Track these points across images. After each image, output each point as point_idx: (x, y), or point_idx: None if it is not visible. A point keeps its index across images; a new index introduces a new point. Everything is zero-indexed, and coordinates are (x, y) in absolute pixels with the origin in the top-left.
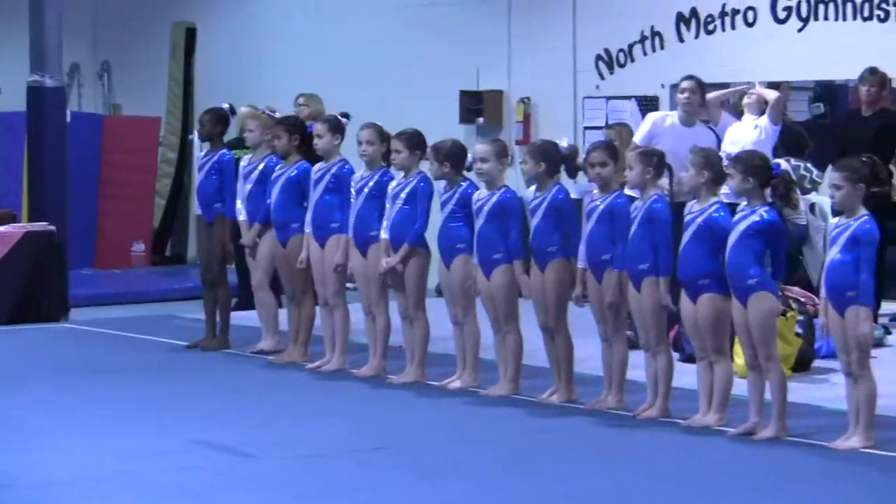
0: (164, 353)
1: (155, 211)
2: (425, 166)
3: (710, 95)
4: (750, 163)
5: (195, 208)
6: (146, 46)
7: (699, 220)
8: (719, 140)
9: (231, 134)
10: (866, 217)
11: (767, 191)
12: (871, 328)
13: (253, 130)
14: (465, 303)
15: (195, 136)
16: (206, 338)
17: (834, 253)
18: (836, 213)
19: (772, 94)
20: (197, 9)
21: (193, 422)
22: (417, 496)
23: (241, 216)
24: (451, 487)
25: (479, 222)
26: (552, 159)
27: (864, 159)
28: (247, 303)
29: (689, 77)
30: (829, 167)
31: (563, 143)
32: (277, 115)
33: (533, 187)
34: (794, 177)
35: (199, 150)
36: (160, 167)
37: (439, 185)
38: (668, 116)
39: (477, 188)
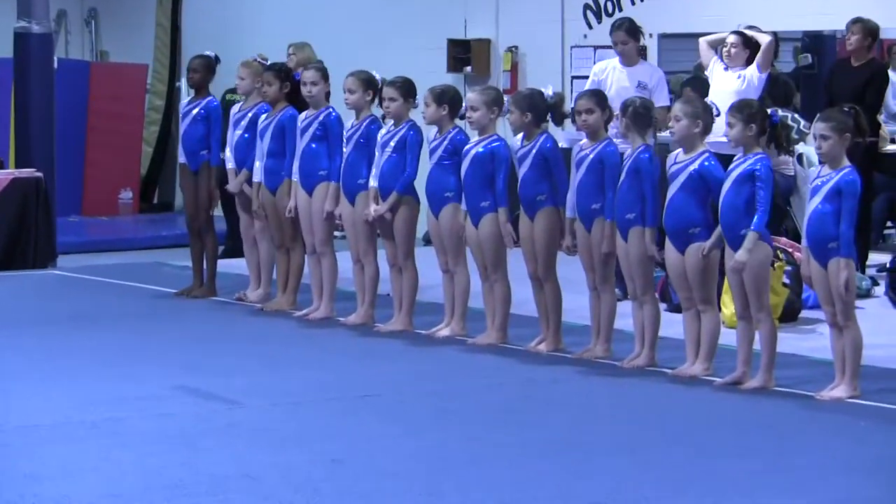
0: (151, 301)
1: (142, 158)
2: (416, 113)
3: (701, 39)
4: (749, 111)
5: (181, 156)
6: None
7: (690, 169)
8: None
9: (228, 83)
10: (849, 168)
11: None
12: (853, 278)
13: (244, 78)
14: (455, 251)
15: (183, 84)
16: (193, 286)
17: (816, 203)
18: (821, 162)
19: (764, 38)
20: None
21: (178, 369)
22: (401, 444)
23: (230, 164)
24: (435, 436)
25: (466, 169)
26: (538, 108)
27: (846, 109)
28: (234, 250)
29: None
30: (816, 118)
31: (549, 91)
32: (268, 63)
33: (520, 136)
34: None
35: (187, 97)
36: (147, 114)
37: (428, 133)
38: (604, 64)
39: (466, 136)
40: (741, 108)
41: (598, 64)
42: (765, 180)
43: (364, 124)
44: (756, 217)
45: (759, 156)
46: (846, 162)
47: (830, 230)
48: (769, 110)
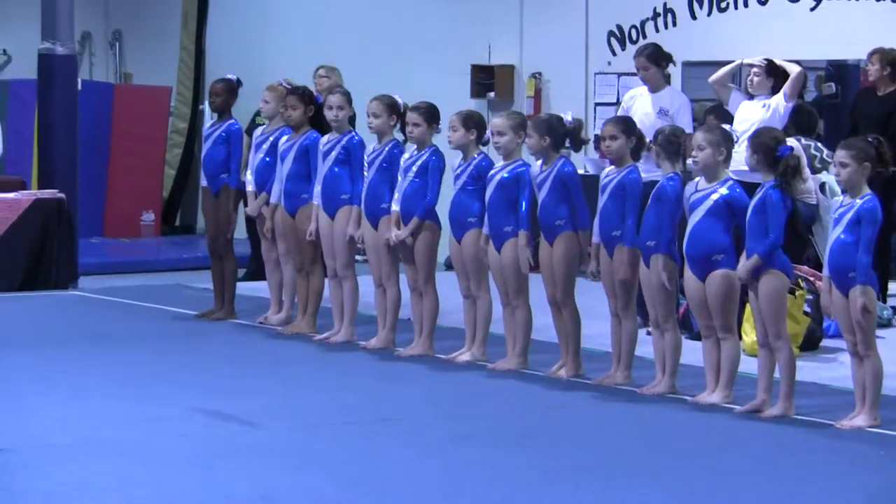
0: (171, 323)
1: (165, 181)
2: (439, 138)
3: (714, 75)
4: (756, 139)
5: (202, 179)
6: (158, 15)
7: (715, 196)
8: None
9: (252, 105)
10: (870, 196)
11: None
12: (871, 305)
13: (269, 102)
14: (478, 276)
15: (206, 107)
16: (214, 308)
17: (837, 233)
18: (843, 191)
19: (794, 69)
20: None
21: (197, 390)
22: (420, 468)
23: (250, 186)
24: (453, 460)
25: (491, 194)
26: (556, 133)
27: (869, 139)
28: (257, 273)
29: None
30: (838, 146)
31: (568, 116)
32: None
33: (539, 161)
34: (803, 159)
35: (210, 119)
36: (170, 137)
37: (452, 159)
38: (634, 91)
39: (491, 161)
40: (752, 136)
41: (631, 90)
42: (773, 206)
43: (387, 148)
44: (766, 242)
45: (768, 184)
46: (867, 190)
47: (851, 260)
48: (783, 145)
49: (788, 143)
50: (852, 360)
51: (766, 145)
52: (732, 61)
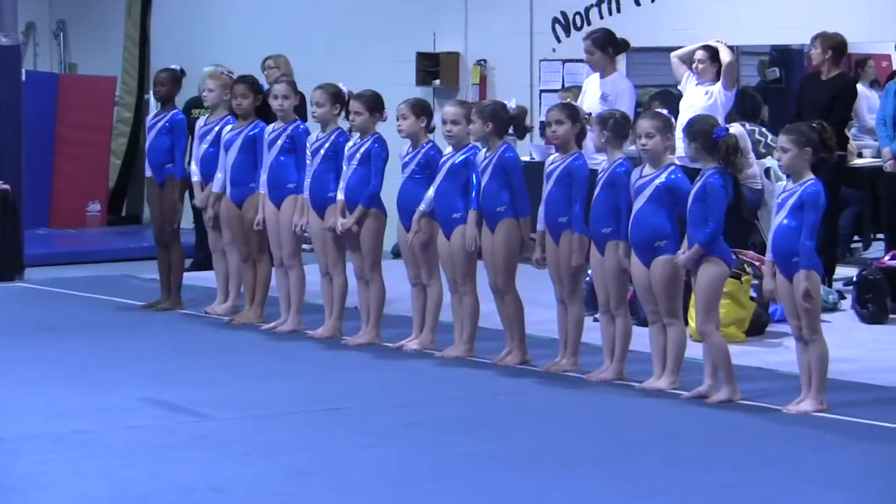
0: (118, 313)
1: (110, 171)
2: (383, 126)
3: (672, 54)
4: (692, 127)
5: (147, 169)
6: (102, 5)
7: (657, 182)
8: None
9: (191, 93)
10: (812, 181)
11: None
12: (815, 289)
13: (213, 90)
14: (429, 264)
15: (151, 96)
16: (160, 298)
17: (781, 218)
18: (787, 176)
19: (725, 57)
20: None
21: (145, 381)
22: (369, 456)
23: (196, 177)
24: (402, 448)
25: (439, 181)
26: (500, 119)
27: (813, 125)
28: (204, 262)
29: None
30: (781, 131)
31: (512, 103)
32: (234, 75)
33: (483, 149)
34: (744, 141)
35: (153, 109)
36: (116, 127)
37: (400, 146)
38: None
39: (439, 149)
40: (687, 125)
41: (592, 75)
42: (713, 194)
43: (332, 137)
44: (706, 230)
45: (708, 171)
46: (810, 175)
47: (795, 244)
48: (718, 127)
49: (734, 128)
50: (797, 345)
51: (702, 131)
52: (679, 47)
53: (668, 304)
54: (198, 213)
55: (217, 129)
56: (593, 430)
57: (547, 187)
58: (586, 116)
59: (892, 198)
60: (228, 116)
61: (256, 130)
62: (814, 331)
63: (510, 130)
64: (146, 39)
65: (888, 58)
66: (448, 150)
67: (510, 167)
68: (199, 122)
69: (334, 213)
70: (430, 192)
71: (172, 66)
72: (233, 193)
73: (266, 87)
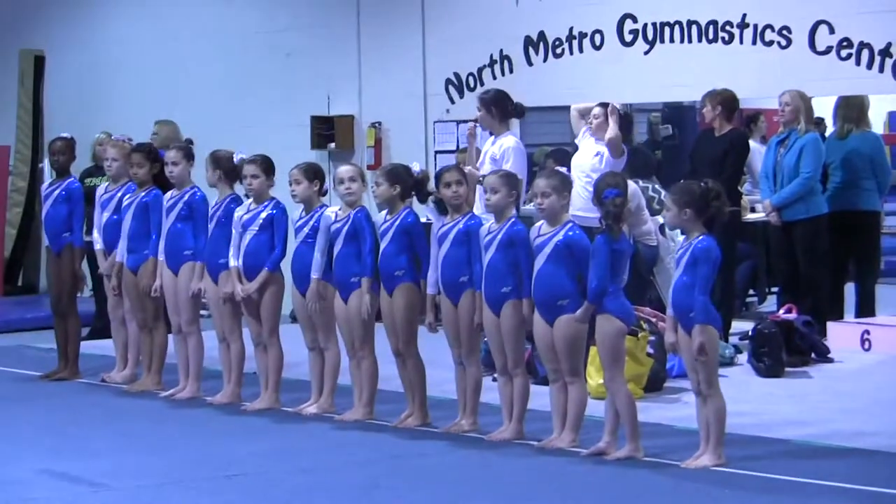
0: (15, 384)
1: (6, 241)
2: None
3: (572, 107)
4: (595, 185)
5: (45, 239)
6: None
7: (555, 239)
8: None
9: (85, 161)
10: (703, 237)
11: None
12: (711, 343)
13: (117, 159)
14: (326, 328)
15: (45, 165)
16: (58, 368)
17: (678, 274)
18: (683, 232)
19: (610, 133)
20: (45, 36)
21: (43, 452)
22: None
23: (98, 245)
24: None
25: (338, 247)
26: (406, 183)
27: (701, 183)
28: (101, 331)
29: None
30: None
31: (415, 167)
32: (133, 142)
33: (384, 212)
34: (637, 198)
35: (49, 178)
36: (10, 196)
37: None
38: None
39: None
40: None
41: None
42: (595, 251)
43: (224, 203)
44: (590, 287)
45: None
46: (699, 231)
47: (692, 299)
48: (610, 187)
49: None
50: (697, 400)
51: (596, 187)
52: (568, 107)
53: (570, 363)
54: (97, 280)
55: (119, 195)
56: (494, 489)
57: (443, 249)
58: (480, 179)
59: (782, 250)
60: (130, 183)
61: (149, 198)
62: (710, 385)
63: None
64: (39, 108)
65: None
66: (339, 213)
67: (414, 232)
68: (100, 190)
69: (229, 280)
70: (316, 254)
71: (66, 135)
72: (129, 260)
73: (164, 153)
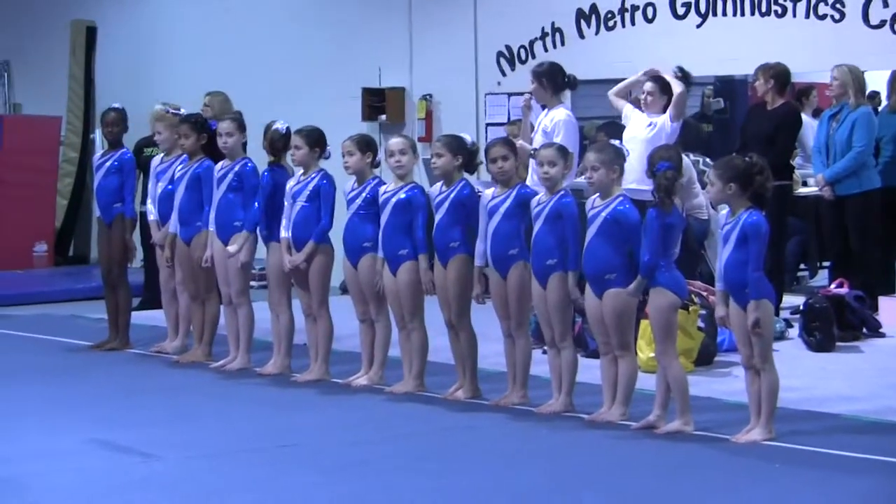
0: (66, 354)
1: (57, 211)
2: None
3: (609, 92)
4: (650, 156)
5: (96, 209)
6: (46, 45)
7: (604, 214)
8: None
9: (142, 131)
10: (751, 211)
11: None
12: (766, 319)
13: (162, 132)
14: (377, 300)
15: (97, 136)
16: (108, 338)
17: (728, 250)
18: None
19: (676, 88)
20: (96, 7)
21: (93, 422)
22: (320, 494)
23: (152, 216)
24: (354, 485)
25: (385, 217)
26: (465, 154)
27: (746, 158)
28: (150, 302)
29: None
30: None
31: (467, 138)
32: (183, 111)
33: (438, 184)
34: (689, 172)
35: (100, 149)
36: (62, 167)
37: (344, 182)
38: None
39: (384, 184)
40: (651, 153)
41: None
42: (648, 224)
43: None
44: (643, 261)
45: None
46: (747, 205)
47: (745, 276)
48: (663, 160)
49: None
50: (746, 374)
51: (650, 160)
52: (623, 79)
53: (620, 337)
54: (148, 251)
55: (173, 167)
56: (544, 462)
57: (493, 222)
58: (531, 152)
59: (834, 225)
60: (184, 155)
61: (201, 169)
62: (765, 359)
63: None
64: (91, 79)
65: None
66: (390, 185)
67: (469, 204)
68: (155, 161)
69: (282, 251)
70: (285, 220)
71: (118, 106)
72: (181, 232)
73: (215, 124)
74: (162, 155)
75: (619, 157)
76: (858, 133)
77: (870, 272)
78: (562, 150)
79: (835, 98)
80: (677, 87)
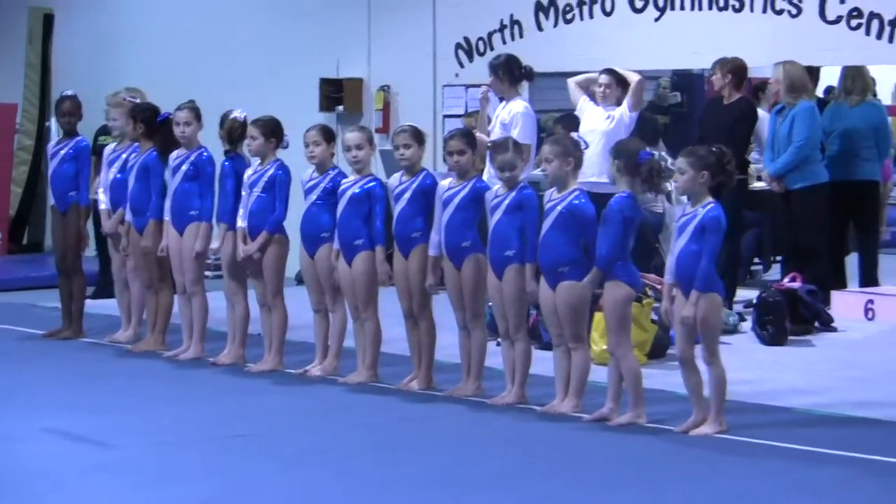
0: (20, 343)
1: (11, 199)
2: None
3: (570, 80)
4: (619, 148)
5: (50, 197)
6: (2, 33)
7: (560, 207)
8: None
9: (99, 119)
10: (713, 205)
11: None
12: (713, 312)
13: (117, 119)
14: (333, 290)
15: (52, 123)
16: (62, 327)
17: (683, 242)
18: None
19: (633, 78)
20: None
21: (48, 410)
22: (275, 483)
23: (104, 205)
24: (308, 474)
25: (341, 208)
26: (424, 142)
27: (713, 148)
28: (105, 291)
29: None
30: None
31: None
32: (138, 100)
33: (398, 174)
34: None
35: (56, 137)
36: (17, 154)
37: (301, 172)
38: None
39: (345, 175)
40: (614, 146)
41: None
42: (610, 217)
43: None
44: (601, 253)
45: (617, 195)
46: (709, 198)
47: (698, 268)
48: (643, 150)
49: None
50: (682, 368)
51: (626, 151)
52: (583, 72)
53: (573, 329)
54: (101, 240)
55: (125, 156)
56: (498, 453)
57: (447, 213)
58: (488, 144)
59: (784, 219)
60: (136, 144)
61: (150, 159)
62: (712, 353)
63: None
64: (47, 67)
65: None
66: (351, 176)
67: (430, 194)
68: (108, 150)
69: (236, 241)
70: (242, 209)
71: (72, 94)
72: (134, 221)
73: (168, 114)
74: (115, 143)
75: (575, 148)
76: (798, 128)
77: (817, 265)
78: (468, 137)
79: (774, 95)
80: (634, 77)
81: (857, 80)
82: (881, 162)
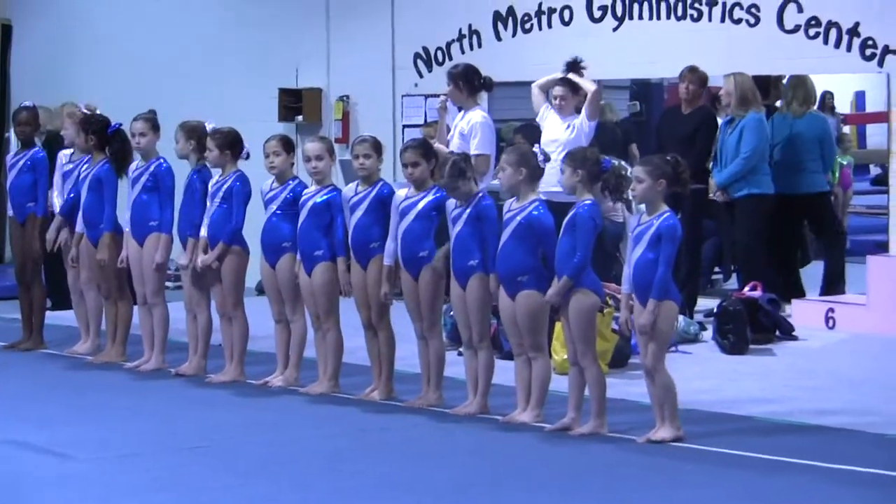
0: None
1: None
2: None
3: (533, 84)
4: (575, 156)
5: (9, 208)
6: None
7: (519, 217)
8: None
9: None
10: (668, 214)
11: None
12: (667, 321)
13: (69, 129)
14: (293, 301)
15: (11, 135)
16: (23, 338)
17: (640, 251)
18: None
19: (590, 87)
20: (12, 4)
21: (6, 422)
22: (233, 495)
23: (56, 208)
24: (266, 485)
25: (302, 218)
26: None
27: (668, 157)
28: (60, 302)
29: None
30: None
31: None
32: (98, 112)
33: (353, 184)
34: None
35: (14, 148)
36: None
37: (261, 182)
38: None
39: (305, 186)
40: (572, 155)
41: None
42: (581, 225)
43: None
44: (573, 262)
45: (580, 203)
46: (665, 207)
47: (654, 276)
48: (604, 158)
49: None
50: (646, 377)
51: (589, 160)
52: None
53: (533, 338)
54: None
55: (76, 173)
56: (458, 463)
57: (405, 223)
58: (448, 154)
59: (742, 229)
60: (88, 156)
61: (101, 171)
62: (658, 359)
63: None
64: (5, 76)
65: None
66: (312, 187)
67: (388, 204)
68: (63, 159)
69: (196, 250)
70: (206, 219)
71: (30, 104)
72: (88, 234)
73: (119, 125)
74: (71, 153)
75: (529, 158)
76: (747, 138)
77: (752, 272)
78: (423, 148)
79: (724, 108)
80: (591, 86)
81: (798, 88)
82: (826, 173)
